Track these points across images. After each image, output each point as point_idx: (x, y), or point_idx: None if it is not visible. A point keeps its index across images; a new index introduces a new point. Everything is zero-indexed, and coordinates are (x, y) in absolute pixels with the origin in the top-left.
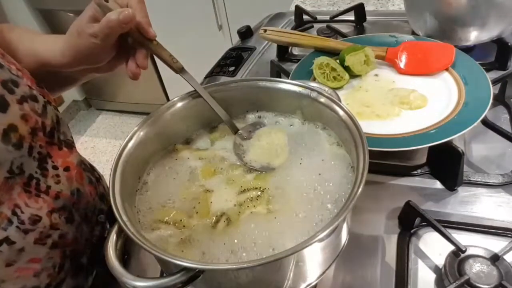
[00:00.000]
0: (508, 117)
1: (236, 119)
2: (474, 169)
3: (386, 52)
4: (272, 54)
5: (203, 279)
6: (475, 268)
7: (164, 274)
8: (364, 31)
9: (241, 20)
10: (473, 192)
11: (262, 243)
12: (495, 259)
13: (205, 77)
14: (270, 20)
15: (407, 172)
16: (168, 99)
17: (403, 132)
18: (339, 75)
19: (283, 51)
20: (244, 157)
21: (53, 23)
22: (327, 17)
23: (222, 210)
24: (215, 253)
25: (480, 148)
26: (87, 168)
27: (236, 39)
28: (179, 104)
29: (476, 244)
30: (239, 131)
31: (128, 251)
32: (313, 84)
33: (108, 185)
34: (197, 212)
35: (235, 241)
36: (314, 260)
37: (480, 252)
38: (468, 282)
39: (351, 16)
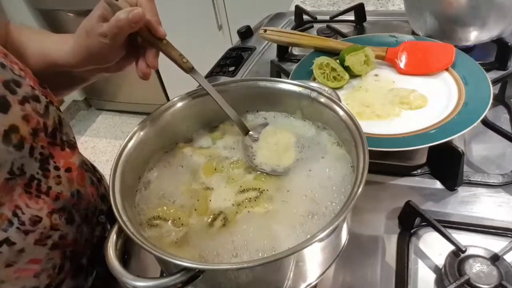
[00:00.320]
0: (508, 117)
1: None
2: (474, 169)
3: (386, 52)
4: (272, 54)
5: (203, 279)
6: (475, 268)
7: (164, 274)
8: (364, 31)
9: (241, 20)
10: (473, 192)
11: (259, 243)
12: (495, 259)
13: (205, 77)
14: (270, 20)
15: (407, 172)
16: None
17: (403, 132)
18: (339, 75)
19: (283, 51)
20: (254, 159)
21: (53, 23)
22: (327, 17)
23: (220, 209)
24: (210, 252)
25: (480, 148)
26: (88, 169)
27: (236, 39)
28: (179, 104)
29: (476, 244)
30: (250, 132)
31: (128, 251)
32: (313, 84)
33: (108, 185)
34: (195, 210)
35: (231, 240)
36: (314, 260)
37: (480, 252)
38: (468, 282)
39: (351, 16)
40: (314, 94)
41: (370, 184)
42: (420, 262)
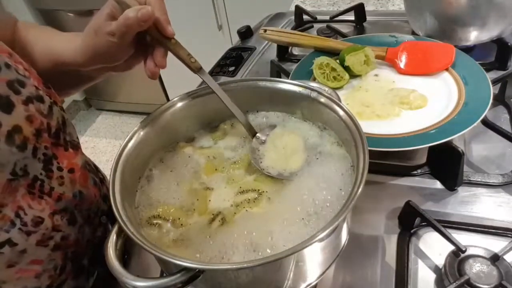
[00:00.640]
0: (508, 117)
1: (236, 119)
2: (474, 169)
3: (386, 52)
4: (272, 54)
5: (203, 279)
6: (475, 268)
7: (164, 274)
8: (364, 31)
9: (241, 20)
10: (473, 192)
11: (258, 243)
12: (495, 259)
13: None
14: (270, 20)
15: (407, 172)
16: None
17: (403, 132)
18: (339, 75)
19: (283, 51)
20: (261, 162)
21: (53, 23)
22: (327, 17)
23: (219, 209)
24: (209, 251)
25: (480, 148)
26: (91, 169)
27: (236, 39)
28: (179, 104)
29: (476, 244)
30: (257, 134)
31: (128, 251)
32: (313, 84)
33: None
34: (194, 210)
35: (230, 240)
36: (314, 260)
37: (480, 252)
38: (468, 282)
39: (351, 16)
40: (314, 94)
41: (370, 184)
42: (420, 262)
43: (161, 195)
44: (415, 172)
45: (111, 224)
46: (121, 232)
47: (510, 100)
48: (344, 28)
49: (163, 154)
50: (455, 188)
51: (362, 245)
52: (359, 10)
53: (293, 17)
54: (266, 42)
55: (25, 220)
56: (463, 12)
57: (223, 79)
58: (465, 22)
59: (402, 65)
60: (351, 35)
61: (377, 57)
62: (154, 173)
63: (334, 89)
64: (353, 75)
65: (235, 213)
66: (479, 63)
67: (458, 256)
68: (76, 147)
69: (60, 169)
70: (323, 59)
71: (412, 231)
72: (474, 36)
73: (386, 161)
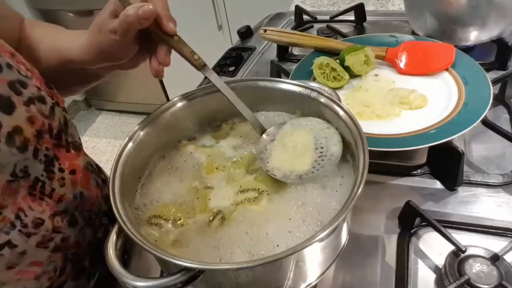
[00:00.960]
0: (508, 117)
1: (236, 119)
2: (474, 169)
3: (386, 52)
4: (272, 54)
5: (203, 279)
6: (475, 268)
7: (164, 274)
8: (364, 31)
9: (241, 20)
10: (473, 192)
11: (258, 243)
12: (495, 259)
13: (205, 77)
14: (270, 20)
15: (407, 172)
16: (168, 99)
17: (403, 132)
18: (339, 75)
19: (283, 51)
20: (267, 162)
21: (53, 23)
22: (327, 17)
23: (219, 208)
24: (209, 251)
25: (480, 148)
26: (94, 170)
27: (236, 39)
28: (179, 104)
29: (476, 244)
30: (266, 132)
31: (128, 251)
32: (313, 84)
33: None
34: (194, 209)
35: (229, 240)
36: (314, 260)
37: (480, 252)
38: (468, 282)
39: (351, 16)
40: (314, 94)
41: (370, 184)
42: (420, 262)
43: (161, 195)
44: (415, 172)
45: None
46: (121, 232)
47: (510, 100)
48: (344, 28)
49: (163, 154)
50: (455, 188)
51: (362, 245)
52: (359, 10)
53: (293, 17)
54: (266, 42)
55: (25, 222)
56: (463, 12)
57: (223, 79)
58: (465, 22)
59: (402, 65)
60: (351, 35)
61: (377, 57)
62: (154, 173)
63: (334, 89)
64: (353, 75)
65: (235, 212)
66: (479, 63)
67: (458, 256)
68: (78, 148)
69: (61, 170)
70: (323, 59)
71: (412, 231)
72: (474, 36)
73: (386, 161)
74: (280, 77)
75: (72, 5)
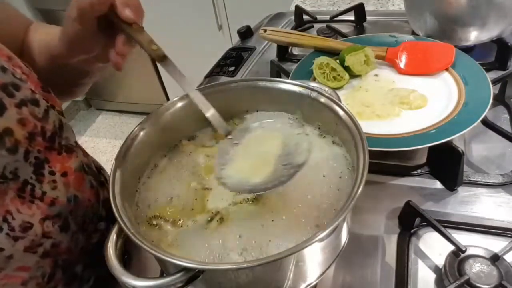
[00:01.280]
0: (508, 117)
1: (236, 119)
2: (474, 169)
3: (386, 52)
4: (272, 54)
5: (203, 279)
6: (475, 268)
7: (164, 274)
8: (364, 31)
9: (241, 20)
10: (473, 192)
11: (257, 243)
12: (495, 259)
13: (205, 77)
14: (270, 20)
15: (407, 172)
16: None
17: (403, 132)
18: (339, 75)
19: (283, 51)
20: (222, 169)
21: (53, 23)
22: (327, 17)
23: (217, 208)
24: (207, 251)
25: (480, 148)
26: (91, 172)
27: (236, 39)
28: (179, 104)
29: (476, 244)
30: (231, 134)
31: (128, 251)
32: (313, 84)
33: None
34: (193, 209)
35: (229, 240)
36: (314, 260)
37: (480, 252)
38: (468, 282)
39: (351, 16)
40: (314, 94)
41: (370, 184)
42: (420, 262)
43: (161, 195)
44: (415, 172)
45: (109, 230)
46: (121, 232)
47: (510, 100)
48: (344, 28)
49: (164, 154)
50: (455, 188)
51: (362, 245)
52: (359, 10)
53: (293, 17)
54: (266, 42)
55: (12, 225)
56: (463, 12)
57: (223, 79)
58: (465, 22)
59: (402, 65)
60: (351, 35)
61: (377, 57)
62: (154, 173)
63: (334, 89)
64: (353, 75)
65: (234, 211)
66: (479, 63)
67: (458, 256)
68: (71, 150)
69: (52, 173)
70: (323, 59)
71: (412, 231)
72: (474, 36)
73: (386, 161)
74: (280, 77)
75: None
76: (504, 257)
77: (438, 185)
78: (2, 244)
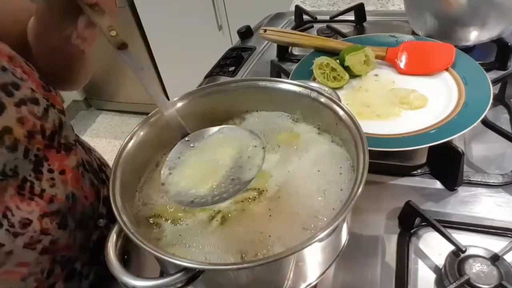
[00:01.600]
0: (508, 117)
1: (236, 119)
2: (474, 169)
3: (386, 52)
4: (272, 54)
5: (203, 279)
6: (475, 268)
7: (164, 274)
8: (364, 31)
9: (241, 20)
10: (473, 192)
11: (257, 243)
12: (495, 259)
13: (205, 77)
14: (270, 20)
15: (407, 172)
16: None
17: (403, 132)
18: (339, 75)
19: (283, 51)
20: (170, 174)
21: None
22: (327, 17)
23: (219, 207)
24: (207, 251)
25: (480, 148)
26: (92, 170)
27: (236, 39)
28: (179, 104)
29: (476, 244)
30: (188, 137)
31: (128, 251)
32: (313, 84)
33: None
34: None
35: (229, 240)
36: (314, 260)
37: (480, 252)
38: (468, 282)
39: (351, 16)
40: (314, 94)
41: (370, 184)
42: (420, 262)
43: (161, 195)
44: (415, 172)
45: (109, 228)
46: (121, 232)
47: (510, 100)
48: (344, 28)
49: (164, 153)
50: (455, 188)
51: (362, 245)
52: (359, 10)
53: (293, 17)
54: (266, 42)
55: (12, 221)
56: (463, 12)
57: (223, 79)
58: (465, 22)
59: (402, 65)
60: (351, 35)
61: (377, 57)
62: (154, 173)
63: (334, 89)
64: (353, 75)
65: (234, 211)
66: (479, 63)
67: (458, 256)
68: (69, 149)
69: (50, 171)
70: (323, 59)
71: (412, 231)
72: (474, 36)
73: (386, 161)
74: (280, 77)
75: None
76: (504, 257)
77: (438, 185)
78: (2, 240)
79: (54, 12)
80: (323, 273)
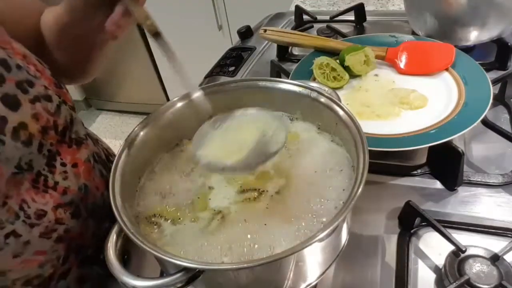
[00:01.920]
0: (508, 117)
1: None
2: (474, 169)
3: (386, 52)
4: (272, 54)
5: (203, 279)
6: (475, 268)
7: (164, 274)
8: (364, 31)
9: (241, 20)
10: (473, 192)
11: (258, 243)
12: (495, 259)
13: (205, 77)
14: (270, 20)
15: (407, 172)
16: (168, 99)
17: (403, 132)
18: (339, 75)
19: (283, 51)
20: (198, 150)
21: None
22: (327, 17)
23: (219, 208)
24: (207, 251)
25: (480, 148)
26: (101, 161)
27: (236, 39)
28: (179, 104)
29: (476, 244)
30: (214, 118)
31: (128, 251)
32: (313, 84)
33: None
34: (194, 208)
35: (229, 240)
36: (314, 260)
37: (480, 252)
38: (468, 282)
39: (351, 16)
40: (314, 94)
41: (370, 184)
42: (420, 262)
43: (161, 195)
44: (415, 172)
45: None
46: (121, 232)
47: (510, 100)
48: (344, 28)
49: (164, 153)
50: (455, 188)
51: (362, 245)
52: (359, 10)
53: (293, 17)
54: (266, 42)
55: (28, 213)
56: (463, 12)
57: (223, 79)
58: (465, 22)
59: (402, 65)
60: (351, 35)
61: (377, 57)
62: (154, 173)
63: (334, 89)
64: (353, 75)
65: (235, 212)
66: (479, 63)
67: (458, 256)
68: (80, 143)
69: (63, 164)
70: (323, 59)
71: (412, 231)
72: (474, 36)
73: (386, 161)
74: (280, 77)
75: None
76: (504, 257)
77: (438, 185)
78: (19, 231)
79: (89, 1)
80: (323, 273)
